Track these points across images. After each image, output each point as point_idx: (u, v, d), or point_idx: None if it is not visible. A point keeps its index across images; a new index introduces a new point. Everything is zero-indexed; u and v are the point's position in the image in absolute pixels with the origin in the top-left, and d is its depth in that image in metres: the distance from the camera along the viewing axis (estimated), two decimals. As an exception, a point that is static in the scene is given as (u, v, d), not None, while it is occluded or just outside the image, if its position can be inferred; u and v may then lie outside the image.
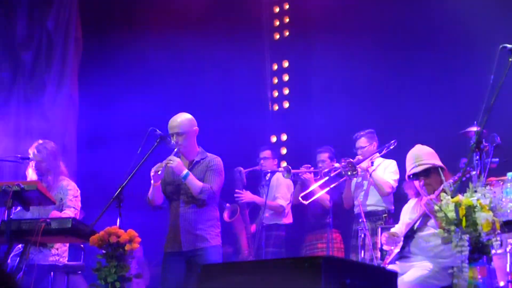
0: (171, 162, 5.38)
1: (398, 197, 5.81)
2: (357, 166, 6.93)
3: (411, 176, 5.23)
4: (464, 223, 3.91)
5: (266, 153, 8.16)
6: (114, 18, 9.91)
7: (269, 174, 7.82)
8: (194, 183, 5.40)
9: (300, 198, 7.40)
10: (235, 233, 7.94)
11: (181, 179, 5.43)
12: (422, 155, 5.22)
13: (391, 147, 7.10)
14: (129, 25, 9.91)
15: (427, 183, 5.15)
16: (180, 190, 5.51)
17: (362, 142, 7.22)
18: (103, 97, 9.54)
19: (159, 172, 5.36)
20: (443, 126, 7.48)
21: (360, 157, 7.13)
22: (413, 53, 8.33)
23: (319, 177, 7.46)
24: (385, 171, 7.03)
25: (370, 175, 7.02)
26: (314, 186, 7.43)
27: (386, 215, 6.92)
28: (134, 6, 9.93)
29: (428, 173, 5.15)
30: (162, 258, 5.56)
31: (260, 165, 8.12)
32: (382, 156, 7.19)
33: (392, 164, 7.03)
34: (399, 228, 5.39)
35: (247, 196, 7.87)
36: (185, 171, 5.41)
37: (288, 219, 7.86)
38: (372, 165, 7.09)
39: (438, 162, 5.18)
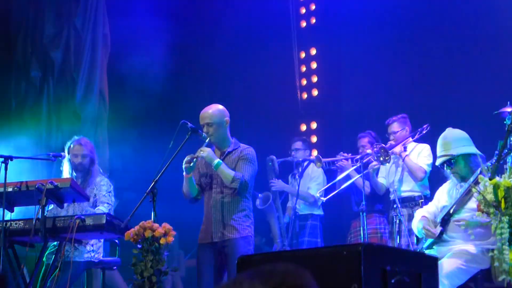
0: (202, 152, 5.36)
1: (437, 180, 5.73)
2: (390, 151, 6.84)
3: (440, 165, 5.22)
4: (503, 205, 3.85)
5: (298, 144, 8.11)
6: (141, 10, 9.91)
7: (306, 163, 7.77)
8: (226, 172, 5.37)
9: (317, 195, 7.36)
10: (268, 222, 7.90)
11: (213, 169, 5.42)
12: (448, 143, 5.18)
13: (424, 132, 6.98)
14: (158, 17, 9.90)
15: (454, 172, 5.14)
16: (213, 181, 5.50)
17: (395, 127, 7.11)
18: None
19: (191, 164, 5.35)
20: (477, 107, 7.37)
21: (392, 142, 7.02)
22: (445, 35, 8.20)
23: (358, 163, 7.37)
24: (419, 155, 6.93)
25: (403, 160, 6.92)
26: (343, 174, 7.33)
27: (422, 200, 6.81)
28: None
29: (452, 162, 5.10)
30: (196, 250, 5.57)
31: (292, 156, 8.07)
32: (415, 141, 7.08)
33: (425, 149, 6.91)
34: (433, 208, 5.33)
35: (279, 184, 7.84)
36: (217, 160, 5.38)
37: (320, 211, 7.80)
38: (405, 150, 6.98)
39: (464, 149, 5.11)
